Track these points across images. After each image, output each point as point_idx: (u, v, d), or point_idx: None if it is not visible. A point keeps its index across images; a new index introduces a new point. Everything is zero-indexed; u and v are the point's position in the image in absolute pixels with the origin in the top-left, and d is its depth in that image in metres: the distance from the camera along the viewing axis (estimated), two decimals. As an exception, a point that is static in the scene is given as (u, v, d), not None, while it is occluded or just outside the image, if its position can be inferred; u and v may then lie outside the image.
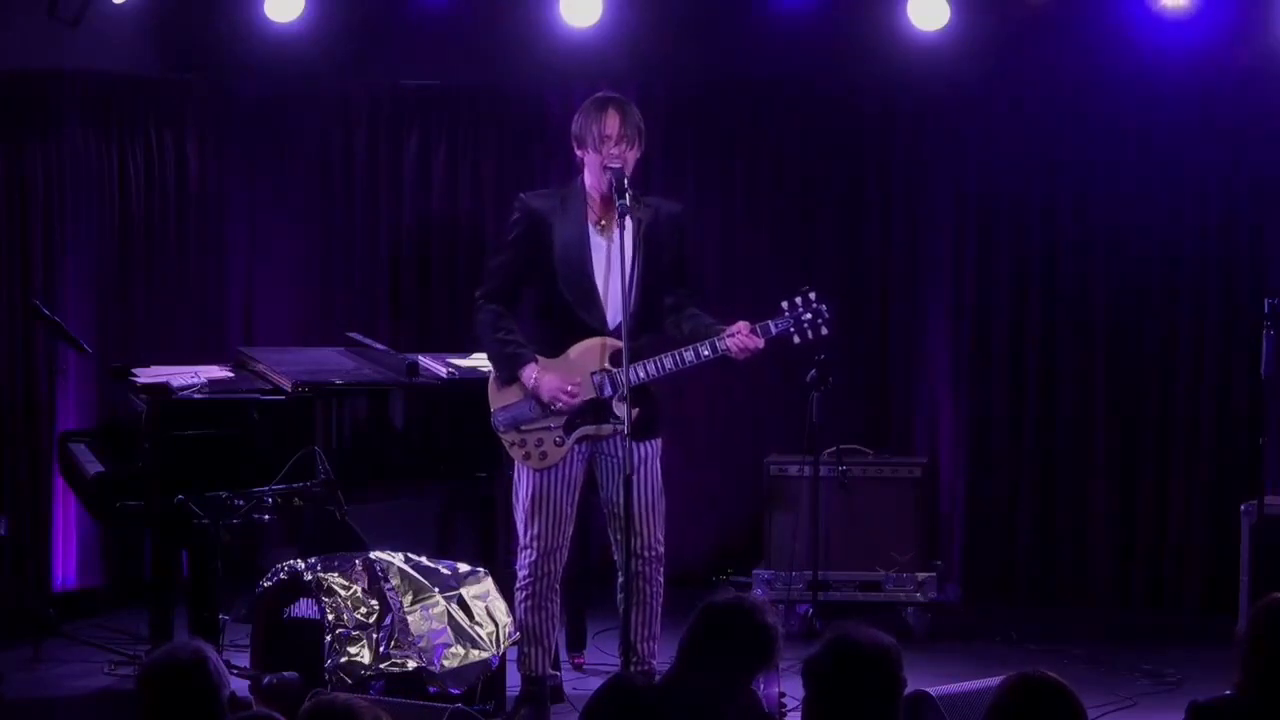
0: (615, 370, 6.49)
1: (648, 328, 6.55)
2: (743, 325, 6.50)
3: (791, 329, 6.55)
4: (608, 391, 6.54)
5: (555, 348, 6.63)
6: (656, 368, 6.47)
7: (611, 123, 6.55)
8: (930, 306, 9.12)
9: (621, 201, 6.39)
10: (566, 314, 6.61)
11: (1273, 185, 8.71)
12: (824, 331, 6.57)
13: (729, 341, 6.47)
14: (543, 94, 9.19)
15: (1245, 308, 8.48)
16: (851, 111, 9.14)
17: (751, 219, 9.23)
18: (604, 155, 6.53)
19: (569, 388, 6.54)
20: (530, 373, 6.58)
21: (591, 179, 6.62)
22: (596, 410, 6.58)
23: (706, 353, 6.49)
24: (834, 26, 8.75)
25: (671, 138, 9.13)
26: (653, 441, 6.66)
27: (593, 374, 6.56)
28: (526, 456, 6.65)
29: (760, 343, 6.50)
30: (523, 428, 6.64)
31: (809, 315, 6.54)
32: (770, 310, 6.57)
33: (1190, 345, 8.84)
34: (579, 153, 6.64)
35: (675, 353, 6.49)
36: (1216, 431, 8.79)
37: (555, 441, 6.61)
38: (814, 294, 6.56)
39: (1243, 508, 7.85)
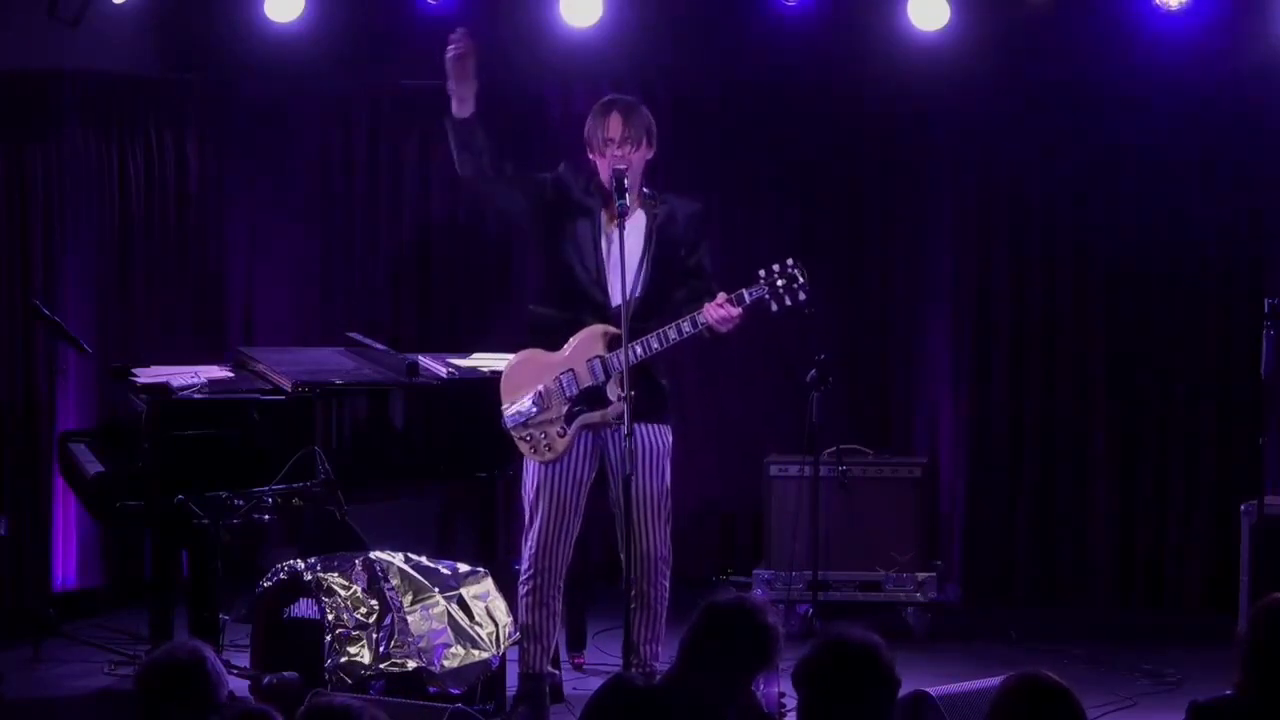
0: (609, 355, 6.55)
1: (658, 316, 6.58)
2: (720, 296, 6.56)
3: (767, 295, 6.58)
4: (600, 377, 6.58)
5: (560, 331, 6.66)
6: (644, 348, 6.52)
7: (614, 125, 6.64)
8: (930, 306, 9.12)
9: (621, 202, 6.45)
10: (572, 288, 6.67)
11: (1272, 185, 8.71)
12: (801, 297, 6.59)
13: (707, 313, 6.52)
14: (543, 94, 9.19)
15: (1245, 308, 8.48)
16: (852, 111, 9.14)
17: (752, 219, 9.22)
18: (609, 157, 6.59)
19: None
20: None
21: (604, 180, 6.68)
22: (593, 398, 6.62)
23: (687, 328, 6.55)
24: (834, 26, 8.75)
25: (672, 138, 9.08)
26: (660, 428, 6.71)
27: (588, 361, 6.60)
28: (534, 450, 6.69)
29: (736, 311, 6.54)
30: (529, 423, 6.67)
31: (783, 281, 6.58)
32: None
33: (1190, 345, 8.84)
34: (591, 155, 6.72)
35: (659, 332, 6.56)
36: (1216, 431, 8.79)
37: (559, 433, 6.65)
38: (791, 260, 6.60)
39: (1243, 508, 7.85)
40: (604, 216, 6.71)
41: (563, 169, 6.84)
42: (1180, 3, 8.23)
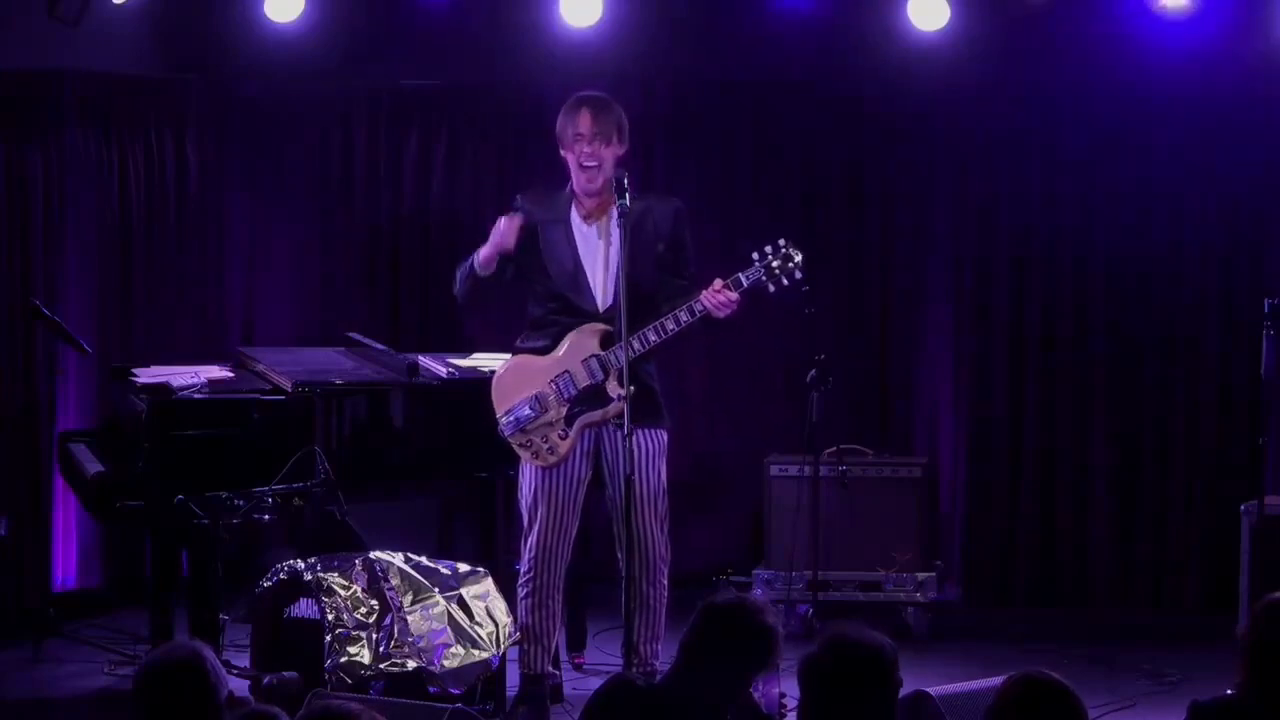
0: (605, 353, 6.55)
1: (642, 314, 6.56)
2: (716, 282, 6.54)
3: (763, 277, 6.57)
4: (599, 375, 6.58)
5: (550, 340, 6.66)
6: (641, 343, 6.49)
7: (583, 121, 6.65)
8: (930, 306, 9.12)
9: (622, 202, 6.43)
10: (559, 300, 6.67)
11: (1272, 185, 8.71)
12: (797, 276, 6.59)
13: (704, 299, 6.50)
14: (543, 94, 9.15)
15: (1245, 308, 8.48)
16: (852, 112, 9.13)
17: (752, 219, 9.21)
18: (577, 154, 6.61)
19: (502, 224, 6.65)
20: (484, 252, 6.70)
21: (575, 177, 6.70)
22: (592, 396, 6.62)
23: (685, 317, 6.53)
24: (834, 26, 8.75)
25: (671, 138, 9.13)
26: (655, 432, 6.69)
27: (584, 361, 6.60)
28: (536, 455, 6.68)
29: (734, 296, 6.53)
30: (528, 429, 6.67)
31: (778, 262, 6.57)
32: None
33: (1190, 345, 8.84)
34: (562, 153, 6.74)
35: (656, 324, 6.53)
36: (1216, 431, 8.79)
37: (560, 435, 6.64)
38: (783, 240, 6.59)
39: (1243, 508, 7.85)
40: (576, 218, 6.70)
41: (518, 200, 6.85)
42: (1179, 4, 8.22)
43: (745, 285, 6.55)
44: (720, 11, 8.94)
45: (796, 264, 6.58)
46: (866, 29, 8.72)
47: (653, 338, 6.53)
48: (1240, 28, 8.41)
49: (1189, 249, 8.85)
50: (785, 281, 6.59)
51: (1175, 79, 8.68)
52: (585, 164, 6.61)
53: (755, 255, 6.59)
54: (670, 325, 6.53)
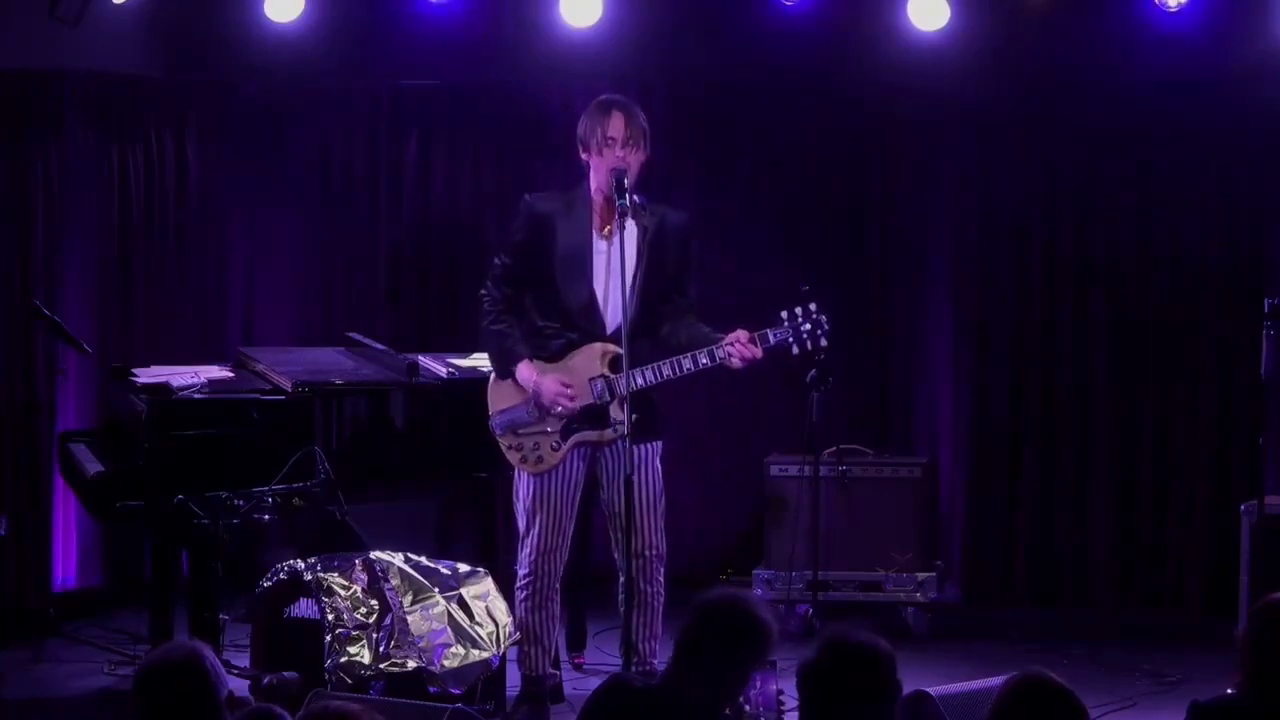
0: (613, 376, 6.52)
1: (646, 334, 6.55)
2: (741, 334, 6.48)
3: (790, 339, 6.53)
4: (605, 397, 6.55)
5: (555, 353, 6.64)
6: (655, 374, 6.46)
7: (615, 125, 6.56)
8: (930, 306, 9.12)
9: (622, 201, 6.40)
10: (566, 318, 6.62)
11: (1272, 185, 8.71)
12: (823, 343, 6.55)
13: (728, 350, 6.47)
14: (543, 94, 9.19)
15: (1245, 308, 8.48)
16: (852, 111, 9.13)
17: (752, 219, 9.22)
18: (607, 158, 6.53)
19: (569, 391, 6.54)
20: (525, 372, 6.59)
21: (596, 182, 6.63)
22: (594, 416, 6.59)
23: (705, 361, 6.49)
24: (834, 26, 8.75)
25: (672, 138, 9.10)
26: (653, 443, 6.67)
27: (591, 380, 6.57)
28: (523, 460, 6.66)
29: (758, 352, 6.48)
30: (519, 431, 6.66)
31: (808, 326, 6.52)
32: (768, 313, 6.56)
33: (1190, 344, 8.83)
34: (584, 156, 6.65)
35: (674, 360, 6.48)
36: (1216, 431, 8.78)
37: (551, 446, 6.62)
38: (815, 305, 6.54)
39: (1243, 508, 7.85)
40: (594, 226, 6.64)
41: (530, 200, 6.77)
42: (1180, 2, 8.22)
43: (771, 344, 6.51)
44: (720, 12, 8.94)
45: (825, 331, 6.53)
46: (866, 29, 8.72)
47: (667, 372, 6.49)
48: (1240, 26, 8.41)
49: (1189, 249, 8.84)
50: (809, 346, 6.54)
51: (1175, 78, 8.67)
52: (617, 168, 6.54)
53: (785, 315, 6.53)
54: (687, 364, 6.50)
